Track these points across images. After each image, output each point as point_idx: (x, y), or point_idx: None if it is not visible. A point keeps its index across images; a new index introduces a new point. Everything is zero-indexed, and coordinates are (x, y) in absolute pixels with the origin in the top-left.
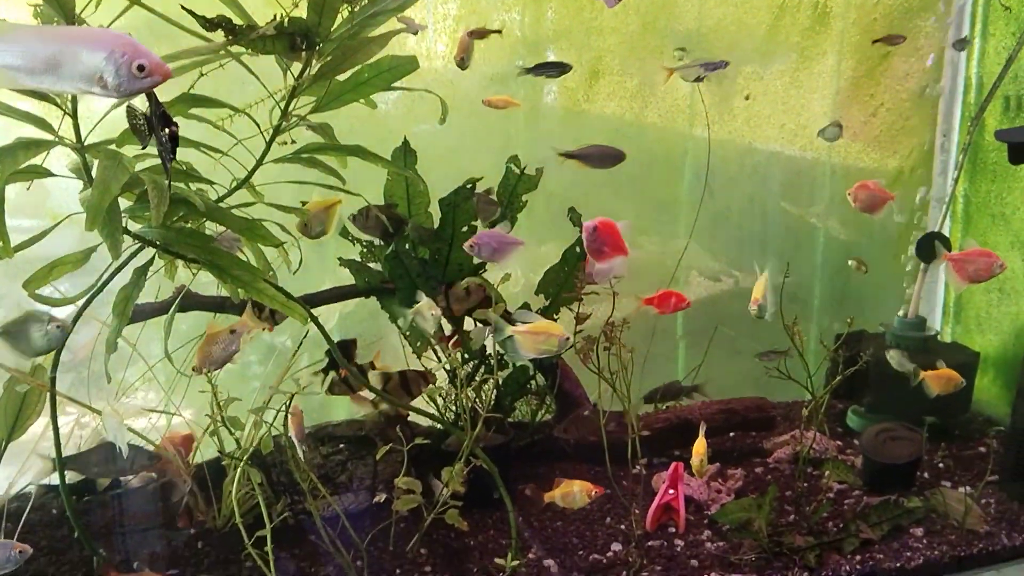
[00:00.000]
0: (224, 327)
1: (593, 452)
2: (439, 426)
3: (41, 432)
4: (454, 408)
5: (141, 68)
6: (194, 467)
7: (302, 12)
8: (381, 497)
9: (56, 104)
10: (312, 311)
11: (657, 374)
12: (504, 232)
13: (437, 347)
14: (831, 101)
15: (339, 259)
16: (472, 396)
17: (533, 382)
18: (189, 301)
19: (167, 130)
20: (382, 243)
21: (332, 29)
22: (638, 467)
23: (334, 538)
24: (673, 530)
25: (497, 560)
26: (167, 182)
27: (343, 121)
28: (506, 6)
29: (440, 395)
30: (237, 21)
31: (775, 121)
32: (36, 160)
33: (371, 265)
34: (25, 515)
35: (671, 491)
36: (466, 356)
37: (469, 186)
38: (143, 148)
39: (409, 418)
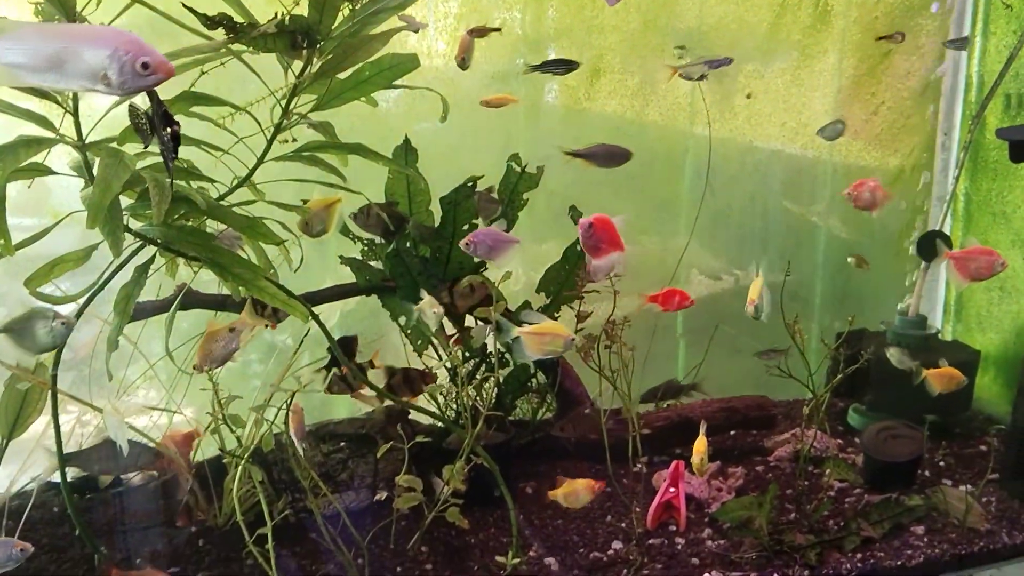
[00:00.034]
0: (224, 325)
1: (594, 450)
2: (440, 424)
3: (42, 430)
4: (455, 406)
5: (146, 66)
6: (195, 465)
7: (303, 10)
8: (382, 495)
9: (57, 102)
10: (313, 309)
11: (657, 373)
12: (500, 230)
13: (438, 345)
14: (832, 99)
15: (340, 257)
16: (473, 394)
17: (534, 380)
18: (190, 299)
19: (169, 129)
20: (383, 241)
21: (333, 27)
22: (639, 465)
23: (335, 536)
24: (674, 528)
25: (498, 558)
26: (169, 180)
27: (344, 119)
28: (507, 4)
29: (441, 393)
30: (238, 19)
31: (776, 119)
32: (37, 158)
33: (372, 263)
34: (26, 513)
35: (672, 489)
36: (467, 354)
37: (470, 184)
38: (145, 147)
39: (410, 416)
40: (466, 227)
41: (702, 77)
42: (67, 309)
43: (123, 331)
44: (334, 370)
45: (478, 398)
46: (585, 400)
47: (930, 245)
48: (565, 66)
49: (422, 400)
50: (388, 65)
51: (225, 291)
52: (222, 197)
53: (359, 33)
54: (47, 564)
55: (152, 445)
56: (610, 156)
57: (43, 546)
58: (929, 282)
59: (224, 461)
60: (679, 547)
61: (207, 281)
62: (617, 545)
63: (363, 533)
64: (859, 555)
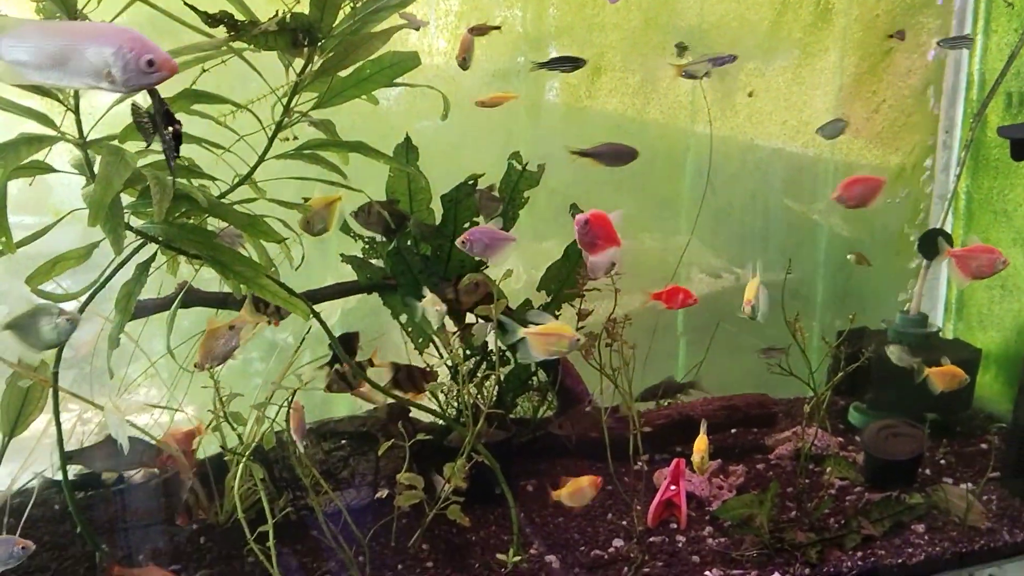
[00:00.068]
0: (224, 323)
1: (594, 448)
2: (441, 422)
3: (43, 428)
4: (456, 404)
5: (150, 63)
6: (196, 463)
7: (304, 8)
8: (383, 493)
9: (58, 100)
10: (314, 307)
11: (658, 371)
12: (497, 228)
13: (440, 343)
14: (833, 97)
15: (341, 255)
16: (474, 392)
17: (535, 378)
18: (191, 297)
19: (171, 128)
20: (384, 239)
21: (334, 25)
22: (639, 463)
23: (336, 534)
24: (675, 526)
25: (499, 556)
26: (171, 178)
27: (345, 117)
28: (508, 2)
29: (442, 391)
30: (239, 17)
31: (777, 117)
32: (38, 156)
33: (373, 261)
34: (28, 510)
35: (673, 487)
36: (468, 352)
37: (471, 182)
38: (147, 146)
39: (411, 414)
40: (467, 225)
41: (705, 75)
42: (69, 307)
43: (124, 329)
44: (336, 366)
45: (479, 396)
46: (586, 398)
47: (931, 243)
48: (571, 64)
49: (423, 398)
50: (389, 63)
51: (226, 289)
52: (223, 195)
53: (360, 31)
54: (48, 562)
55: (153, 442)
56: (616, 155)
57: (44, 544)
58: (930, 280)
59: (225, 459)
60: (680, 545)
61: (208, 279)
62: (618, 543)
63: (364, 531)
64: (860, 553)
